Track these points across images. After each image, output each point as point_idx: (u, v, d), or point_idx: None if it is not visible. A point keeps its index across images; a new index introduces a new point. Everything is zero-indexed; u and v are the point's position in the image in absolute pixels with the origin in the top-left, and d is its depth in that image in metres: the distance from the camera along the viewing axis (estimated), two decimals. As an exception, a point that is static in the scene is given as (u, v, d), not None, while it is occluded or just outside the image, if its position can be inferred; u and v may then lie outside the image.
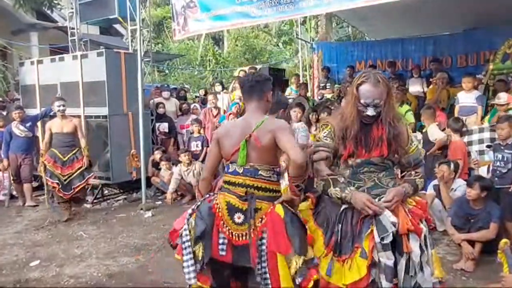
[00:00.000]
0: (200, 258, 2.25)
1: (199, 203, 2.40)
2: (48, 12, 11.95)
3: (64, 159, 5.71)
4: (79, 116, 6.67)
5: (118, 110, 6.53)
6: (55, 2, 10.60)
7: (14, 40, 11.72)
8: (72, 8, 8.08)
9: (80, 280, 3.84)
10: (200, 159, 6.90)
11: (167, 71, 18.84)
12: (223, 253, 2.25)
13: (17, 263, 4.28)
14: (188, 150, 6.80)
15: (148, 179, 6.66)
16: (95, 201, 6.69)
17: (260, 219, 2.21)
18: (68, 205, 5.84)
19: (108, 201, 6.80)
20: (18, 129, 6.45)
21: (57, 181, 5.68)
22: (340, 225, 2.16)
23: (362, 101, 2.13)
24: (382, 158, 2.20)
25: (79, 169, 5.75)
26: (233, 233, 2.25)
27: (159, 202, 6.61)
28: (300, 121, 5.84)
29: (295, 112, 5.76)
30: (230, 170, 2.37)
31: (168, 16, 19.44)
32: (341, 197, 2.12)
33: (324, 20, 13.50)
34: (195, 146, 7.05)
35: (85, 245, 4.75)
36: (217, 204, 2.32)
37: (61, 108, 5.73)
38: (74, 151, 5.78)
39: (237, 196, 2.29)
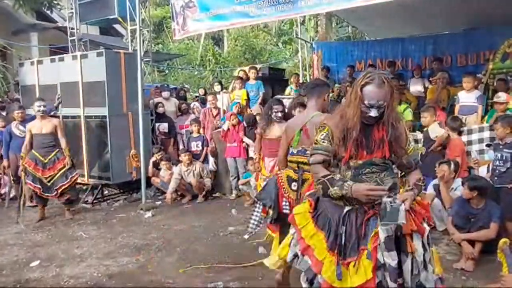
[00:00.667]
0: (270, 215, 3.45)
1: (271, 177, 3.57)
2: (48, 12, 11.97)
3: (45, 161, 5.67)
4: (79, 117, 6.70)
5: (118, 110, 6.52)
6: (55, 2, 10.62)
7: (14, 40, 11.72)
8: (71, 9, 8.09)
9: (80, 280, 3.84)
10: (201, 159, 6.90)
11: (167, 71, 18.84)
12: (287, 210, 3.29)
13: (17, 263, 4.28)
14: (189, 150, 6.80)
15: (148, 179, 6.66)
16: (95, 201, 6.69)
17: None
18: (43, 208, 5.86)
19: (108, 201, 6.80)
20: (18, 129, 6.45)
21: (39, 185, 5.65)
22: (344, 228, 2.14)
23: (366, 102, 2.11)
24: (384, 158, 2.19)
25: (61, 169, 5.71)
26: (291, 196, 3.33)
27: (159, 202, 6.61)
28: None
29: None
30: (289, 152, 3.36)
31: (168, 16, 19.44)
32: (342, 195, 2.10)
33: (324, 19, 13.52)
34: (195, 146, 7.05)
35: (85, 246, 4.75)
36: (281, 177, 3.44)
37: (41, 108, 5.69)
38: (55, 152, 5.74)
39: (293, 170, 3.34)
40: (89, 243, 4.85)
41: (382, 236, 2.02)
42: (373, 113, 2.11)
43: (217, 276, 3.84)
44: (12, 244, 4.87)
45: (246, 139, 6.49)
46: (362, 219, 2.13)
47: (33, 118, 6.67)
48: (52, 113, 6.76)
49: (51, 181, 5.67)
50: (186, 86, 14.22)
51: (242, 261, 4.15)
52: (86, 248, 4.66)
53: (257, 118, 6.65)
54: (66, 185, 5.74)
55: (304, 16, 11.77)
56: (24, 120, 6.54)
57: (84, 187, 7.26)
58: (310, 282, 2.27)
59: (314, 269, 2.21)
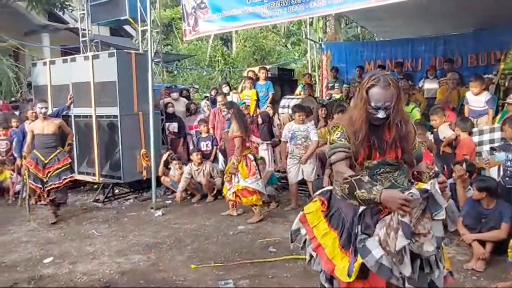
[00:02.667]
0: None
1: None
2: (60, 13, 12.12)
3: (46, 161, 5.66)
4: (90, 116, 6.77)
5: (128, 110, 6.57)
6: (67, 3, 10.75)
7: (26, 41, 11.87)
8: (83, 10, 8.18)
9: (92, 277, 3.89)
10: (211, 158, 6.94)
11: (176, 72, 18.94)
12: None
13: (31, 260, 4.35)
14: (200, 149, 6.85)
15: (158, 178, 6.71)
16: (106, 200, 6.76)
17: None
18: (51, 207, 5.79)
19: (119, 200, 6.86)
20: None
21: (40, 185, 5.66)
22: (359, 227, 2.13)
23: (372, 104, 2.11)
24: (397, 160, 2.19)
25: (57, 169, 5.68)
26: None
27: (169, 201, 6.65)
28: (304, 122, 5.94)
29: (300, 116, 5.88)
30: None
31: (177, 17, 19.57)
32: (369, 199, 2.01)
33: (332, 20, 13.53)
34: (205, 146, 7.10)
35: (97, 243, 4.81)
36: None
37: (43, 110, 5.72)
38: (56, 153, 5.73)
39: None
40: (101, 241, 4.91)
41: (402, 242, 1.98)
42: (381, 114, 2.11)
43: (227, 274, 3.88)
44: (26, 241, 4.95)
45: (254, 138, 6.54)
46: (377, 218, 2.11)
47: (52, 115, 6.75)
48: (64, 113, 6.87)
49: (46, 180, 5.67)
50: (196, 86, 14.27)
51: (252, 260, 4.19)
52: (98, 246, 4.72)
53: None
54: (57, 185, 5.66)
55: (313, 17, 11.78)
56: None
57: (95, 186, 7.36)
58: (330, 281, 2.27)
59: (325, 268, 2.21)
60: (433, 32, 10.31)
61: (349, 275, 2.09)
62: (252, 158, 5.58)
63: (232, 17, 5.98)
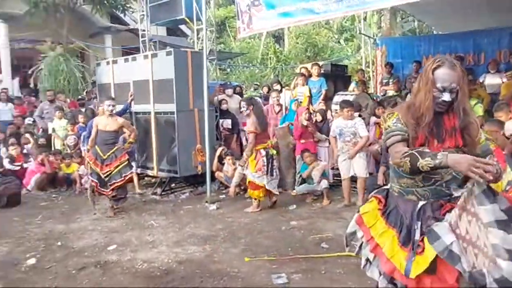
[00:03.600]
0: None
1: None
2: (121, 15, 12.76)
3: (104, 157, 5.88)
4: (149, 113, 7.08)
5: (185, 107, 6.80)
6: (127, 6, 11.30)
7: (91, 42, 12.61)
8: (142, 11, 8.56)
9: (152, 265, 4.09)
10: None
11: (228, 70, 19.26)
12: None
13: (97, 246, 4.65)
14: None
15: (212, 173, 6.89)
16: (163, 193, 7.05)
17: None
18: (111, 202, 6.03)
19: (175, 193, 7.13)
20: None
21: (97, 179, 5.90)
22: (419, 223, 2.05)
23: (438, 85, 2.02)
24: (457, 149, 2.07)
25: (117, 166, 5.90)
26: None
27: (223, 196, 6.82)
28: (352, 118, 5.88)
29: (348, 112, 5.82)
30: None
31: (230, 16, 19.89)
32: (435, 166, 1.85)
33: (388, 15, 13.15)
34: (256, 142, 7.18)
35: (156, 233, 5.04)
36: None
37: (110, 108, 5.94)
38: (113, 150, 5.94)
39: None
40: (159, 231, 5.14)
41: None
42: (446, 97, 2.01)
43: (280, 268, 3.93)
44: (92, 229, 5.29)
45: (319, 135, 6.67)
46: (438, 214, 2.02)
47: (118, 113, 7.10)
48: (129, 110, 7.19)
49: (107, 177, 5.89)
50: (256, 83, 14.41)
51: (304, 255, 4.21)
52: (157, 236, 4.95)
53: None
54: (120, 183, 5.89)
55: (367, 12, 11.52)
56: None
57: (153, 180, 7.70)
58: (392, 282, 2.16)
59: (384, 269, 2.13)
60: (497, 24, 9.71)
61: (406, 274, 2.00)
62: (264, 154, 5.77)
63: (286, 13, 5.99)
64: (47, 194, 7.40)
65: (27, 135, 8.37)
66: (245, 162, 5.80)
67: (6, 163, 7.65)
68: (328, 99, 8.17)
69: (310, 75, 8.38)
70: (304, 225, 5.21)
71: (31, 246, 4.71)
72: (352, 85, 8.83)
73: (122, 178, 5.90)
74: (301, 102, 7.60)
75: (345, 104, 5.96)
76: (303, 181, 6.47)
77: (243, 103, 6.03)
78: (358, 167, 5.83)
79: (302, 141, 6.60)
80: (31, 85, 10.91)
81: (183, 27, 14.63)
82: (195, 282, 3.67)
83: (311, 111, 6.89)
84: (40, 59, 10.41)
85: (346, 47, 20.15)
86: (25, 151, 8.10)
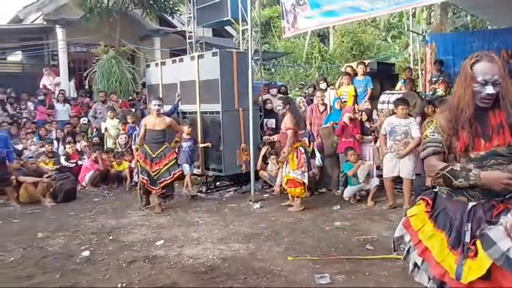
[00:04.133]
0: None
1: None
2: (169, 18, 13.16)
3: (153, 156, 6.04)
4: (196, 112, 7.26)
5: (230, 106, 6.90)
6: (176, 9, 11.65)
7: (141, 45, 13.11)
8: (190, 14, 8.80)
9: (198, 260, 4.20)
10: (309, 154, 6.98)
11: (273, 70, 19.29)
12: None
13: (145, 241, 4.84)
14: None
15: (256, 172, 6.96)
16: (208, 191, 7.21)
17: None
18: (146, 196, 6.26)
19: (220, 192, 7.27)
20: None
21: (147, 177, 6.08)
22: (469, 225, 1.99)
23: (479, 78, 1.96)
24: (510, 148, 1.98)
25: (166, 165, 6.05)
26: None
27: (267, 195, 6.88)
28: (406, 117, 5.72)
29: (403, 110, 5.66)
30: None
31: (275, 16, 19.91)
32: (470, 186, 1.92)
33: (438, 10, 12.66)
34: (302, 142, 7.17)
35: (201, 230, 5.17)
36: None
37: (157, 107, 6.10)
38: (162, 148, 6.09)
39: None
40: (204, 228, 5.27)
41: None
42: (490, 89, 1.94)
43: (323, 268, 3.91)
44: (141, 225, 5.51)
45: (365, 138, 6.65)
46: (490, 215, 1.95)
47: (167, 113, 7.33)
48: (178, 110, 7.40)
49: (157, 175, 6.06)
50: (302, 83, 14.37)
51: (348, 256, 4.17)
52: (202, 233, 5.07)
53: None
54: (169, 181, 6.03)
55: (415, 8, 11.14)
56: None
57: (199, 178, 7.88)
58: (442, 287, 2.11)
59: (434, 273, 2.07)
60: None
61: (457, 278, 1.95)
62: (303, 151, 5.84)
63: (331, 12, 5.94)
64: (99, 190, 7.79)
65: (82, 134, 8.85)
66: (284, 159, 5.80)
67: (63, 160, 8.13)
68: (374, 98, 8.01)
69: (356, 74, 8.24)
70: (348, 226, 5.15)
71: (85, 239, 4.98)
72: (399, 84, 8.59)
73: (171, 176, 6.06)
74: (345, 101, 7.50)
75: (400, 102, 5.78)
76: (347, 180, 6.39)
77: (279, 102, 6.09)
78: (405, 168, 5.65)
79: (344, 139, 6.53)
80: (86, 87, 11.51)
81: (228, 28, 14.90)
82: (239, 279, 3.73)
83: (356, 111, 6.79)
84: (94, 61, 10.97)
85: (394, 45, 19.58)
86: (80, 149, 8.57)
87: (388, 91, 8.21)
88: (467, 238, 1.98)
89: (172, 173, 6.08)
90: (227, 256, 4.29)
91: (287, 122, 5.79)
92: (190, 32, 8.81)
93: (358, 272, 3.80)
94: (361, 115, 6.79)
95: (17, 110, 10.37)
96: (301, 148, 5.85)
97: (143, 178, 6.13)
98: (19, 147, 8.28)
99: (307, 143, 6.63)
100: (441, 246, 2.07)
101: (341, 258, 4.13)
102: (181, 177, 6.68)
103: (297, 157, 5.77)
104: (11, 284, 3.75)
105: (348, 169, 6.27)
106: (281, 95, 8.69)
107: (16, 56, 15.68)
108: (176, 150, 6.56)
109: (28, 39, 13.15)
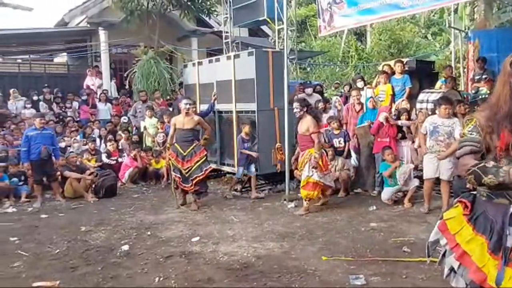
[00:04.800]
0: None
1: None
2: (206, 19, 13.37)
3: (184, 154, 6.16)
4: (231, 112, 7.35)
5: (265, 106, 6.95)
6: (213, 9, 11.82)
7: (178, 45, 13.39)
8: (226, 14, 8.91)
9: (232, 257, 4.27)
10: (344, 154, 6.93)
11: (308, 69, 19.18)
12: None
13: (182, 237, 4.96)
14: (333, 145, 6.90)
15: (291, 172, 6.96)
16: (243, 190, 7.28)
17: None
18: (183, 194, 6.38)
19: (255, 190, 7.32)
20: None
21: (179, 175, 6.21)
22: (511, 228, 1.92)
23: None
24: None
25: (197, 162, 6.16)
26: None
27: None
28: (449, 116, 5.52)
29: (446, 109, 5.47)
30: None
31: (311, 15, 19.77)
32: (499, 182, 1.84)
33: (482, 5, 12.15)
34: (338, 142, 7.09)
35: (236, 228, 5.24)
36: None
37: (187, 106, 6.21)
38: (193, 146, 6.20)
39: None
40: (239, 226, 5.33)
41: None
42: None
43: (358, 269, 3.88)
44: (178, 221, 5.65)
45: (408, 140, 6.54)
46: None
47: (202, 113, 7.41)
48: (214, 109, 7.51)
49: (188, 173, 6.18)
50: (337, 82, 14.23)
51: (384, 257, 4.11)
52: (237, 231, 5.14)
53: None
54: (201, 177, 6.16)
55: (458, 3, 10.76)
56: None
57: (234, 177, 7.96)
58: None
59: (473, 277, 2.00)
60: None
61: (497, 284, 1.88)
62: (326, 153, 5.82)
63: (368, 10, 5.85)
64: (138, 187, 8.05)
65: (123, 133, 9.16)
66: (316, 163, 5.57)
67: (104, 158, 8.46)
68: (412, 97, 7.81)
69: (393, 73, 8.07)
70: (384, 227, 5.07)
71: (125, 234, 5.17)
72: (439, 83, 8.34)
73: (203, 172, 6.18)
74: (382, 100, 7.37)
75: (443, 101, 5.57)
76: (383, 180, 6.29)
77: (296, 104, 5.77)
78: (444, 169, 5.46)
79: (380, 139, 6.41)
80: (126, 87, 11.89)
81: (264, 27, 14.94)
82: (272, 277, 3.76)
83: (394, 110, 6.66)
84: (134, 62, 11.31)
85: (434, 42, 19.00)
86: (120, 147, 8.88)
87: (427, 90, 7.98)
88: (509, 243, 1.91)
89: (204, 169, 6.19)
90: (261, 254, 4.33)
91: (310, 126, 5.59)
92: (227, 32, 8.93)
93: (394, 274, 3.74)
94: (398, 114, 6.65)
95: (63, 110, 10.88)
96: (323, 151, 5.82)
97: (175, 176, 6.28)
98: (63, 144, 8.68)
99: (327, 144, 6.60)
100: (482, 250, 1.99)
101: (376, 259, 4.07)
102: (217, 175, 6.80)
103: (323, 160, 5.70)
104: (59, 274, 3.95)
105: (384, 169, 6.17)
106: (319, 95, 8.67)
107: (62, 58, 16.44)
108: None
109: (73, 41, 13.76)
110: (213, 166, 7.58)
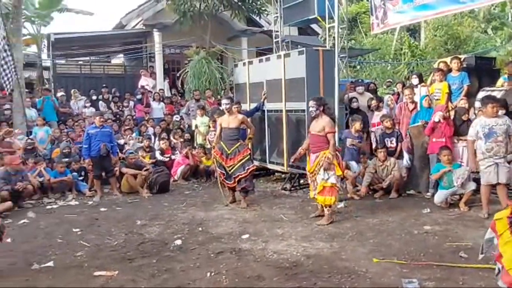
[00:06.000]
0: None
1: None
2: (256, 18, 13.49)
3: (229, 152, 6.28)
4: (281, 111, 7.37)
5: (315, 105, 6.89)
6: (263, 9, 11.91)
7: (229, 45, 13.62)
8: (276, 13, 8.94)
9: (282, 256, 4.29)
10: (396, 155, 6.76)
11: (358, 67, 18.81)
12: None
13: (232, 234, 5.06)
14: (385, 146, 6.75)
15: (341, 172, 6.87)
16: (292, 188, 7.29)
17: None
18: (232, 192, 6.48)
19: (304, 190, 7.30)
20: None
21: (224, 171, 6.35)
22: None
23: None
24: None
25: (240, 160, 6.24)
26: None
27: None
28: (496, 116, 5.24)
29: (493, 108, 5.20)
30: None
31: (361, 12, 19.37)
32: None
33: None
34: (389, 142, 6.93)
35: (285, 227, 5.26)
36: None
37: (227, 106, 6.34)
38: (237, 145, 6.30)
39: None
40: (288, 225, 5.35)
41: None
42: None
43: (411, 273, 3.77)
44: (228, 218, 5.76)
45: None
46: None
47: (249, 112, 7.57)
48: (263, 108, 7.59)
49: (232, 170, 6.31)
50: (389, 80, 13.87)
51: (439, 262, 3.97)
52: (286, 229, 5.16)
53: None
54: (243, 175, 6.24)
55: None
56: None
57: (283, 175, 8.00)
58: None
59: (503, 279, 2.01)
60: None
61: None
62: (340, 156, 5.45)
63: (425, 5, 5.64)
64: (190, 184, 8.30)
65: (175, 131, 9.47)
66: (330, 165, 5.23)
67: (158, 155, 8.78)
68: (471, 96, 7.45)
69: (450, 70, 7.73)
70: (439, 231, 4.90)
71: (178, 229, 5.35)
72: (501, 80, 7.86)
73: (245, 171, 6.27)
74: (438, 99, 7.09)
75: (488, 99, 5.31)
76: (438, 182, 6.05)
77: (312, 103, 5.40)
78: (502, 172, 5.18)
79: (435, 139, 6.17)
80: (179, 86, 12.27)
81: (313, 25, 14.83)
82: (322, 277, 3.74)
83: (450, 109, 6.39)
84: (186, 62, 11.66)
85: (494, 37, 17.94)
86: (173, 145, 9.18)
87: (488, 88, 7.56)
88: None
89: (246, 168, 6.28)
90: (310, 254, 4.32)
91: (326, 125, 5.27)
92: (277, 31, 8.95)
93: (449, 280, 3.61)
94: (455, 113, 6.38)
95: (120, 109, 11.41)
96: (338, 153, 5.48)
97: (221, 173, 6.45)
98: (121, 141, 9.11)
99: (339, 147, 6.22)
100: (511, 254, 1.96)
101: (431, 264, 3.95)
102: (266, 173, 6.83)
103: (339, 162, 5.37)
104: (117, 265, 4.18)
105: (436, 171, 5.92)
106: (371, 94, 8.49)
107: (119, 59, 17.24)
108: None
109: (129, 43, 14.38)
110: (263, 164, 7.68)
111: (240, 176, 6.27)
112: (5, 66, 8.25)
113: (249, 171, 6.30)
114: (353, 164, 6.78)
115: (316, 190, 5.37)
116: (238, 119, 6.38)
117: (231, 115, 6.39)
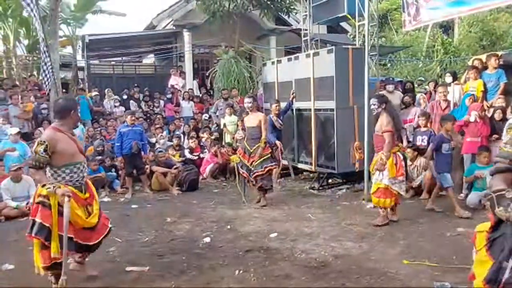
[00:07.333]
0: None
1: None
2: (285, 17, 13.45)
3: (251, 151, 6.30)
4: (309, 110, 7.33)
5: (344, 104, 6.83)
6: (292, 8, 11.86)
7: (257, 44, 13.64)
8: (305, 12, 8.89)
9: (310, 255, 4.28)
10: (426, 154, 6.60)
11: (389, 65, 18.44)
12: None
13: (260, 233, 5.08)
14: (414, 144, 6.61)
15: (370, 171, 6.77)
16: (320, 188, 7.25)
17: None
18: (260, 192, 6.40)
19: (332, 189, 7.26)
20: (277, 122, 7.39)
21: (246, 171, 6.36)
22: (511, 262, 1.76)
23: None
24: None
25: (260, 158, 6.24)
26: None
27: (381, 195, 6.66)
28: None
29: None
30: None
31: (392, 8, 18.96)
32: (506, 218, 1.75)
33: None
34: (420, 140, 6.78)
35: (314, 226, 5.24)
36: None
37: (248, 105, 6.36)
38: (258, 145, 6.28)
39: None
40: (316, 224, 5.33)
41: None
42: None
43: (443, 276, 3.69)
44: (256, 217, 5.79)
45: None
46: None
47: (282, 111, 7.50)
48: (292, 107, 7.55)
49: (252, 166, 6.32)
50: (421, 78, 13.55)
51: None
52: (314, 229, 5.14)
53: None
54: (260, 173, 6.25)
55: None
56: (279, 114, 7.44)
57: (311, 175, 7.96)
58: None
59: None
60: None
61: None
62: (402, 157, 5.16)
63: (459, 1, 5.45)
64: (218, 182, 8.38)
65: (204, 130, 9.58)
66: (383, 166, 5.05)
67: (187, 153, 8.91)
68: (508, 94, 7.17)
69: (485, 67, 7.47)
70: (472, 234, 4.73)
71: (206, 226, 5.42)
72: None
73: (263, 169, 6.26)
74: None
75: None
76: (472, 183, 5.87)
77: (374, 100, 5.29)
78: None
79: (469, 138, 5.98)
80: (208, 86, 12.39)
81: (343, 23, 14.65)
82: (351, 278, 3.71)
83: (486, 107, 6.18)
84: (215, 62, 11.76)
85: (534, 33, 17.23)
86: (202, 143, 9.29)
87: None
88: (506, 275, 1.76)
89: (264, 166, 6.27)
90: (339, 254, 4.29)
91: (383, 123, 5.10)
92: (305, 30, 8.90)
93: (483, 284, 3.50)
94: (493, 112, 6.16)
95: (150, 108, 11.64)
96: (399, 154, 5.20)
97: (243, 172, 6.47)
98: (152, 140, 9.29)
99: (404, 147, 6.00)
100: (481, 277, 1.88)
101: (465, 267, 3.83)
102: (295, 173, 6.76)
103: (395, 163, 5.12)
104: (148, 261, 4.27)
105: (470, 173, 5.71)
106: (402, 93, 8.31)
107: (150, 59, 17.58)
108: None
109: (159, 43, 14.64)
110: (293, 164, 7.66)
111: (257, 174, 6.29)
112: (44, 67, 8.58)
113: (266, 169, 6.30)
114: (447, 177, 5.63)
115: (370, 190, 5.34)
116: (258, 118, 6.38)
117: (253, 113, 6.43)
